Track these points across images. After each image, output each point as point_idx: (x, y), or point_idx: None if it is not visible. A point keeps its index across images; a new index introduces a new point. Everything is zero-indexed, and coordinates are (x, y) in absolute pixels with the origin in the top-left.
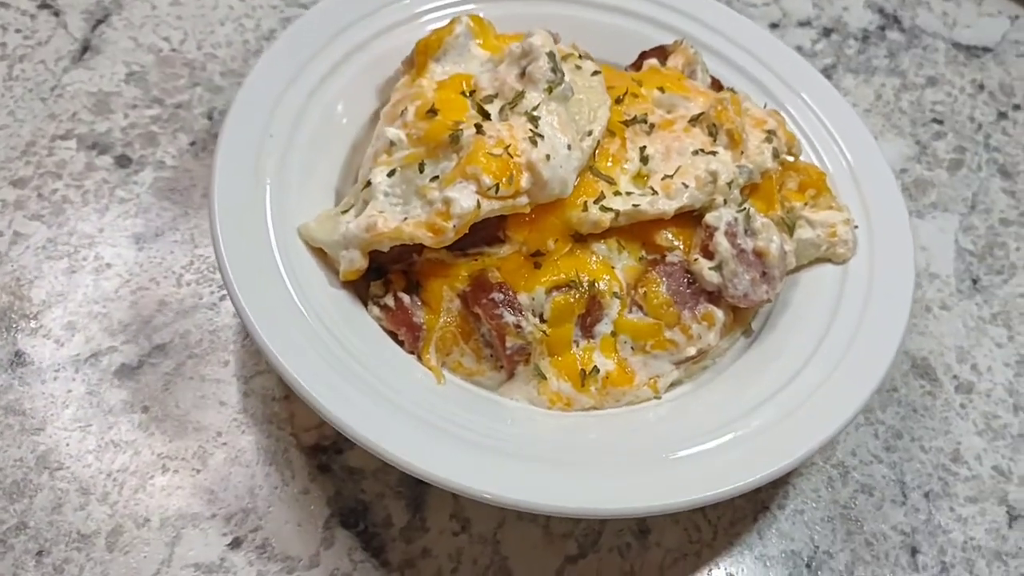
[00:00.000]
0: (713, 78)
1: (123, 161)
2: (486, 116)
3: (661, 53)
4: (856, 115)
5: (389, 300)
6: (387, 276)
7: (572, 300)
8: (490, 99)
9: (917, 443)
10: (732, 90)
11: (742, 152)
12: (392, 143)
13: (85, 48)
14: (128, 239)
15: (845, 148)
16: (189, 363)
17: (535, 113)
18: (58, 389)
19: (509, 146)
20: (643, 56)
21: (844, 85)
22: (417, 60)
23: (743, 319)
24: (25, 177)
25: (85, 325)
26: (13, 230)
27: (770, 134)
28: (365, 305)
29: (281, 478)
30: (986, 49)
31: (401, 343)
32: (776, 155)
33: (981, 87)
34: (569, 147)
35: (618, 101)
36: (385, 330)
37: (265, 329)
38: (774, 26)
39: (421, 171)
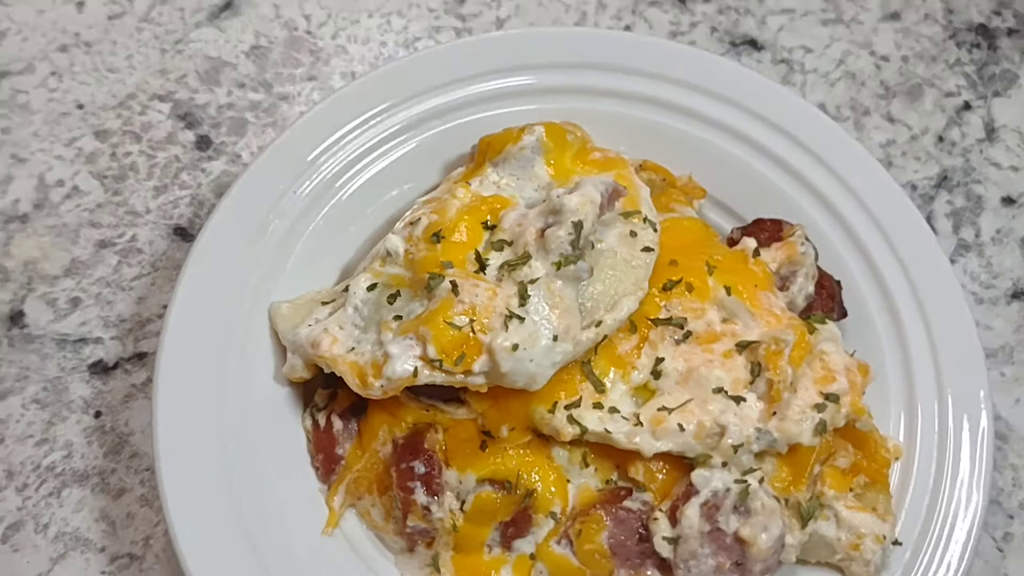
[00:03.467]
0: (824, 273)
1: (203, 143)
2: (482, 267)
3: (776, 230)
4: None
5: (322, 417)
6: (337, 389)
7: (499, 502)
8: (502, 246)
9: None
10: (839, 282)
11: (774, 412)
12: (389, 253)
13: (227, 5)
14: (167, 230)
15: (951, 414)
16: None
17: (529, 289)
18: (33, 361)
19: (474, 320)
20: (757, 224)
21: None
22: (476, 157)
23: None
24: (110, 130)
25: (87, 307)
26: (74, 184)
27: (829, 400)
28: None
29: None
30: None
31: (317, 469)
32: (822, 430)
33: None
34: (555, 338)
35: (666, 288)
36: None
37: (166, 431)
38: (1008, 201)
39: (391, 302)
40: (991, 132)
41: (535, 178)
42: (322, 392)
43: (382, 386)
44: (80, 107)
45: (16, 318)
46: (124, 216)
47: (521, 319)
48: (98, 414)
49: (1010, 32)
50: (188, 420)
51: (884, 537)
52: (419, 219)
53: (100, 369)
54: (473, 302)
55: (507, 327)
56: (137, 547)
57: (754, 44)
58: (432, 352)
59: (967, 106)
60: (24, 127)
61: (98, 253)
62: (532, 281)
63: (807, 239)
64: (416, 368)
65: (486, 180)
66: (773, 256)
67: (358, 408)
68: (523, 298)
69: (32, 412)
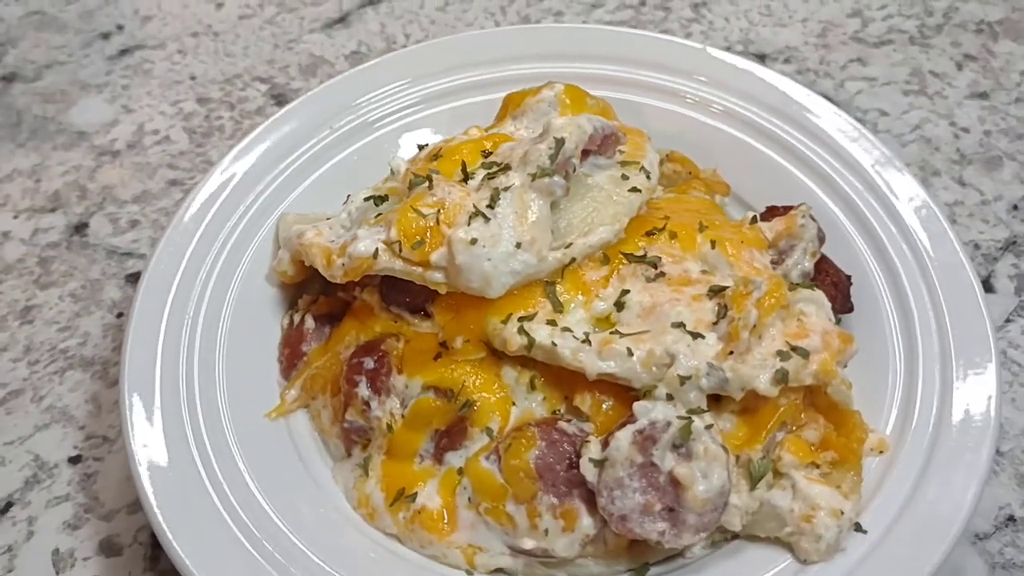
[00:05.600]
0: (833, 265)
1: None
2: (465, 179)
3: (786, 214)
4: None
5: (299, 317)
6: (320, 296)
7: (437, 408)
8: (491, 165)
9: None
10: (849, 277)
11: (731, 352)
12: (392, 172)
13: (341, 19)
14: None
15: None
16: None
17: (501, 195)
18: (82, 263)
19: (441, 211)
20: (769, 210)
21: None
22: (499, 112)
23: (641, 553)
24: (209, 98)
25: (143, 228)
26: (166, 135)
27: (792, 353)
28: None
29: None
30: None
31: (280, 363)
32: (782, 380)
33: None
34: (519, 245)
35: (649, 234)
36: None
37: (146, 297)
38: None
39: (377, 204)
40: None
41: None
42: (306, 297)
43: (343, 264)
44: (192, 78)
45: (80, 228)
46: (200, 164)
47: (486, 219)
48: (120, 315)
49: None
50: (168, 295)
51: (842, 513)
52: (427, 145)
53: (135, 279)
54: (444, 198)
55: (470, 223)
56: (112, 431)
57: (829, 102)
58: (392, 234)
59: None
60: (141, 87)
61: (167, 189)
62: (506, 188)
63: (812, 217)
64: (377, 249)
65: (502, 131)
66: (771, 227)
67: (336, 316)
68: (493, 201)
69: (66, 303)
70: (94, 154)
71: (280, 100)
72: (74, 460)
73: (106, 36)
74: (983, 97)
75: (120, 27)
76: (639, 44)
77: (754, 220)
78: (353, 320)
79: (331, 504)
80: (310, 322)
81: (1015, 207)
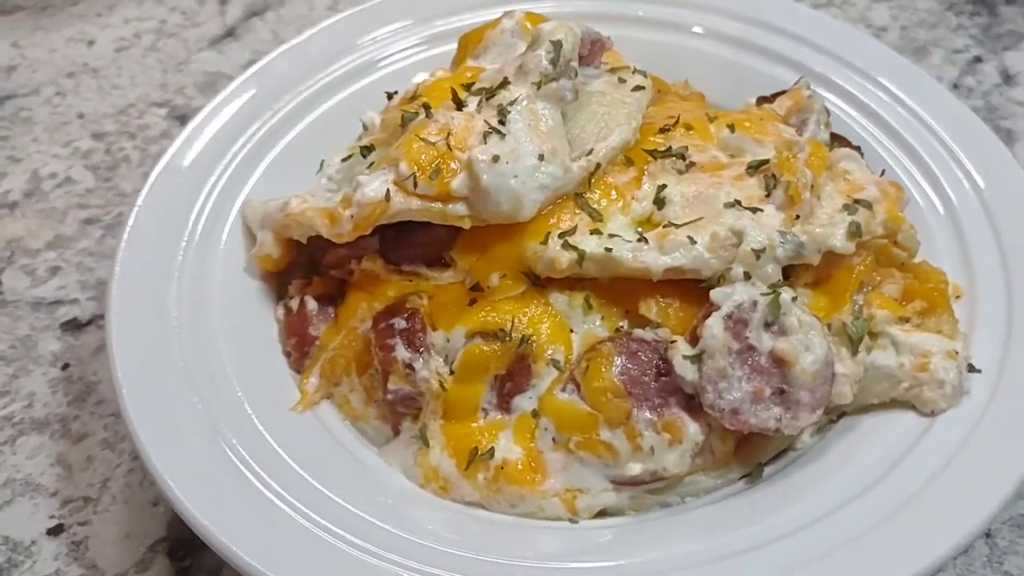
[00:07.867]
0: (837, 136)
1: None
2: (460, 106)
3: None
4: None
5: (295, 303)
6: (312, 278)
7: (490, 353)
8: (481, 91)
9: None
10: (858, 148)
11: (797, 216)
12: (365, 127)
13: (229, 33)
14: None
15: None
16: None
17: (509, 109)
18: (4, 323)
19: (450, 134)
20: (762, 99)
21: None
22: (456, 56)
23: (750, 454)
24: (107, 132)
25: (67, 273)
26: (67, 175)
27: (857, 205)
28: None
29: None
30: None
31: (288, 355)
32: (856, 234)
33: None
34: (541, 158)
35: (663, 131)
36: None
37: (119, 319)
38: None
39: (365, 155)
40: (1008, 78)
41: None
42: (296, 283)
43: (352, 216)
44: (80, 116)
45: None
46: (113, 198)
47: (502, 135)
48: (66, 366)
49: (1008, 1)
50: (144, 313)
51: (956, 352)
52: (396, 92)
53: (73, 326)
54: (449, 123)
55: (486, 141)
56: (93, 489)
57: None
58: (404, 169)
59: (978, 59)
60: (24, 135)
61: (83, 228)
62: (511, 102)
63: (812, 90)
64: (388, 191)
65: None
66: (779, 105)
67: (335, 296)
68: (503, 117)
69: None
70: None
71: (184, 120)
72: (54, 531)
73: None
74: None
75: None
76: None
77: (758, 103)
78: (359, 292)
79: (395, 487)
80: (312, 304)
81: (955, 86)
